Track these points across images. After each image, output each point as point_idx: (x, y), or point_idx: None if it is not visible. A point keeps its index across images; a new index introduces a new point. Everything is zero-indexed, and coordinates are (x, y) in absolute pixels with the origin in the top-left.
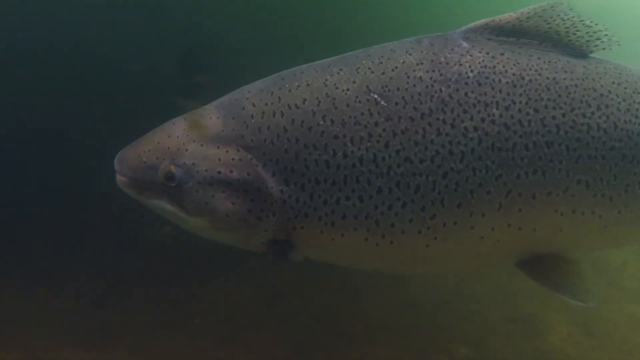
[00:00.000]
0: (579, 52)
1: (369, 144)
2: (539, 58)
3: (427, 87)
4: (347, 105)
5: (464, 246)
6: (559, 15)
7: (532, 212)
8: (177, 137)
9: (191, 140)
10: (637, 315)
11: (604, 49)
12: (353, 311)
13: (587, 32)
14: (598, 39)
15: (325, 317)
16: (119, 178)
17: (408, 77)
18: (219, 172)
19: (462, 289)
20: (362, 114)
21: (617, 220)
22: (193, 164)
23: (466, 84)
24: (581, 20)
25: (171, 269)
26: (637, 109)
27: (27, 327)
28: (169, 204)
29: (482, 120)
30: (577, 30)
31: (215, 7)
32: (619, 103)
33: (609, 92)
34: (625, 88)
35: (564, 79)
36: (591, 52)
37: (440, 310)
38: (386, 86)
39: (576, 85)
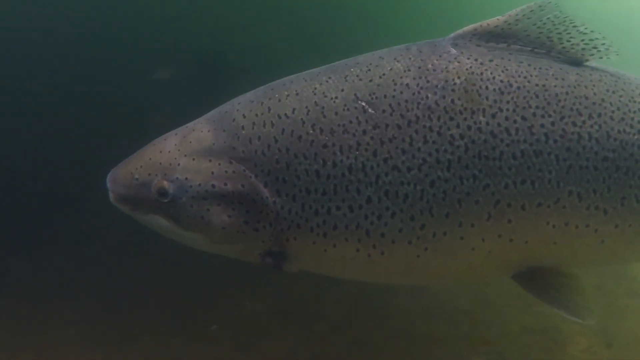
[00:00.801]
0: (574, 59)
1: (357, 152)
2: (529, 65)
3: (413, 94)
4: (336, 114)
5: (455, 257)
6: (548, 17)
7: (523, 224)
8: (169, 152)
9: (183, 154)
10: None
11: (601, 57)
12: (370, 319)
13: (583, 40)
14: (594, 47)
15: (341, 326)
16: (112, 196)
17: (395, 84)
18: (213, 186)
19: (482, 297)
20: (351, 122)
21: (615, 235)
22: (186, 178)
23: (453, 90)
24: (575, 27)
25: (187, 275)
26: (632, 118)
27: (41, 334)
28: (164, 220)
29: (469, 127)
30: (572, 37)
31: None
32: (613, 112)
33: (603, 100)
34: (621, 96)
35: (554, 86)
36: (587, 60)
37: (459, 319)
38: (374, 93)
39: (567, 93)
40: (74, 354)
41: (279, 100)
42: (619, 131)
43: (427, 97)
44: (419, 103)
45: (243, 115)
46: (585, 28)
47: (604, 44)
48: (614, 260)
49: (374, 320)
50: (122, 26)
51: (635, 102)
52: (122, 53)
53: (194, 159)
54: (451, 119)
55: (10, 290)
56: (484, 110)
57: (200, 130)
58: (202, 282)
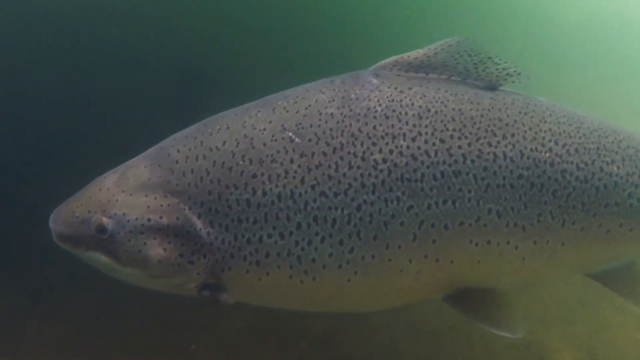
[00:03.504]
0: (488, 85)
1: (285, 180)
2: (446, 91)
3: (338, 122)
4: (264, 144)
5: (385, 280)
6: (465, 51)
7: (447, 243)
8: (108, 189)
9: (121, 190)
10: None
11: (513, 82)
12: (352, 336)
13: (496, 68)
14: (507, 74)
15: (323, 343)
16: (54, 235)
17: (320, 114)
18: (149, 219)
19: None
20: (278, 151)
21: (534, 251)
22: (123, 213)
23: (374, 117)
24: (489, 57)
25: (166, 294)
26: (543, 137)
27: (20, 354)
28: (104, 256)
29: (391, 152)
30: (486, 67)
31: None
32: (525, 132)
33: (515, 121)
34: (532, 117)
35: (470, 109)
36: (500, 85)
37: (443, 336)
38: (300, 124)
39: (482, 116)
40: None
41: (211, 134)
42: (531, 149)
43: (350, 124)
44: (342, 131)
45: (177, 150)
46: (499, 59)
47: (515, 70)
48: (536, 277)
49: (357, 337)
50: (101, 40)
51: (546, 122)
52: (100, 67)
53: (131, 195)
54: (374, 144)
55: None
56: (404, 134)
57: (138, 167)
58: (181, 301)
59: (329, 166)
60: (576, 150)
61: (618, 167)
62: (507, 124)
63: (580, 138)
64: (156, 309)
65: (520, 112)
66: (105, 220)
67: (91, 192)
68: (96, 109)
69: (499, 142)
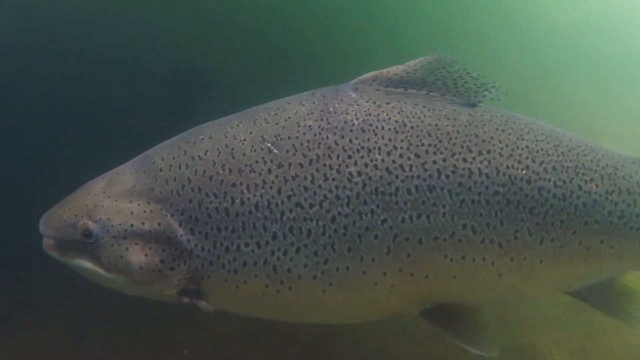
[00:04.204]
0: (467, 101)
1: (263, 190)
2: (423, 106)
3: (315, 134)
4: (244, 154)
5: (359, 292)
6: (444, 67)
7: (422, 257)
8: (95, 194)
9: (107, 196)
10: (637, 344)
11: (492, 99)
12: (343, 341)
13: (475, 84)
14: (486, 90)
15: (314, 348)
16: (44, 241)
17: (299, 126)
18: (132, 225)
19: None
20: (257, 162)
21: (511, 268)
22: (108, 218)
23: (351, 130)
24: (468, 73)
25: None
26: (520, 155)
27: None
28: (89, 262)
29: (366, 165)
30: (465, 82)
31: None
32: (502, 149)
33: (492, 138)
34: (509, 134)
35: (446, 125)
36: (479, 101)
37: (435, 341)
38: (279, 135)
39: (458, 132)
40: None
41: (194, 144)
42: (507, 167)
43: (327, 137)
44: (319, 143)
45: (162, 158)
46: (477, 75)
47: (494, 86)
48: (514, 293)
49: (348, 343)
50: (92, 43)
51: (523, 139)
52: (92, 70)
53: (116, 200)
54: (349, 157)
55: None
56: (379, 148)
57: (124, 174)
58: (173, 306)
59: (305, 177)
60: (554, 168)
61: (597, 185)
62: (483, 141)
63: (558, 156)
64: (147, 314)
65: (497, 129)
66: (91, 224)
67: (79, 197)
68: (84, 115)
69: (474, 158)
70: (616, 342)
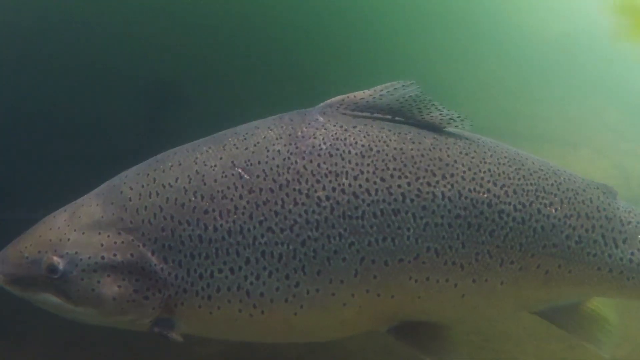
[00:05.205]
0: (432, 127)
1: (235, 216)
2: (389, 130)
3: (284, 159)
4: (215, 181)
5: (329, 313)
6: (410, 95)
7: (387, 279)
8: (59, 228)
9: (72, 229)
10: (620, 358)
11: (457, 126)
12: (326, 359)
13: (440, 115)
14: (451, 119)
15: None
16: (2, 278)
17: (268, 150)
18: (103, 257)
19: None
20: (228, 187)
21: (473, 289)
22: (76, 252)
23: (319, 155)
24: (433, 104)
25: None
26: (482, 178)
27: None
28: (55, 297)
29: (334, 189)
30: (430, 112)
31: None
32: (465, 172)
33: (455, 161)
34: (472, 158)
35: (411, 149)
36: (444, 128)
37: (418, 357)
38: (249, 160)
39: (422, 155)
40: None
41: (163, 171)
42: (469, 190)
43: (296, 162)
44: (289, 168)
45: (130, 187)
46: (442, 106)
47: (459, 117)
48: (478, 314)
49: None
50: (70, 53)
51: (486, 162)
52: (69, 81)
53: (83, 233)
54: (318, 181)
55: None
56: (347, 172)
57: (89, 205)
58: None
59: (276, 202)
60: (514, 192)
61: (556, 209)
62: (447, 164)
63: (519, 179)
64: (124, 336)
65: (461, 153)
66: (56, 259)
67: (40, 232)
68: (50, 130)
69: (437, 181)
70: (599, 356)
